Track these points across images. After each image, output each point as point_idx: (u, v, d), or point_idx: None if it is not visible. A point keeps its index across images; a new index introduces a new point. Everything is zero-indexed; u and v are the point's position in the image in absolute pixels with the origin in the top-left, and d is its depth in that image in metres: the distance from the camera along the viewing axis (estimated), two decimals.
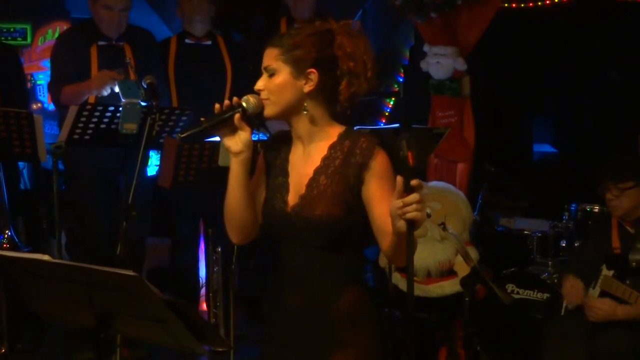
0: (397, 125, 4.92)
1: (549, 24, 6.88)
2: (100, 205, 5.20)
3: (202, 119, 2.72)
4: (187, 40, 5.67)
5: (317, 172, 2.76)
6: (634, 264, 4.46)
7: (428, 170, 6.15)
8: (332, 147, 2.77)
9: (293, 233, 2.76)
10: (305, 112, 2.75)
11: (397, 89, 7.13)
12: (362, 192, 2.72)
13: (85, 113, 4.63)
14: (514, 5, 6.51)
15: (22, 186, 5.94)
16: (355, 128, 4.78)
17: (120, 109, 4.62)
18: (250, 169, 2.81)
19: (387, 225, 2.60)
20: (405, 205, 2.47)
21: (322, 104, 2.77)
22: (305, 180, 2.77)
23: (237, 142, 2.74)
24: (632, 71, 6.74)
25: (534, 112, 7.56)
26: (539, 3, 6.56)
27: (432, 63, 6.07)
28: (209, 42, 5.69)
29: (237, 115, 2.71)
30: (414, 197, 2.46)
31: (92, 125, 4.66)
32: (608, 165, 4.69)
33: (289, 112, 2.77)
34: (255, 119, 4.57)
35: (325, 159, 2.76)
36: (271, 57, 2.75)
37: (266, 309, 2.88)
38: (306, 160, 2.80)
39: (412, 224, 2.49)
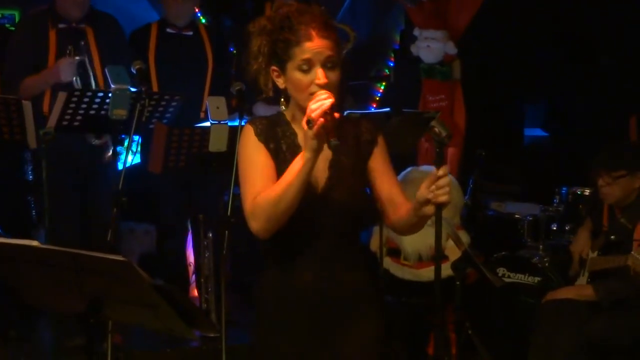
0: (388, 109, 4.92)
1: (540, 8, 6.87)
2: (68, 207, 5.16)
3: (320, 120, 2.57)
4: (168, 30, 5.62)
5: (336, 152, 2.73)
6: (612, 237, 4.51)
7: (419, 155, 6.15)
8: (338, 129, 2.74)
9: (319, 214, 2.75)
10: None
11: (387, 74, 7.12)
12: (368, 165, 2.84)
13: (74, 99, 4.61)
14: None
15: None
16: (346, 112, 4.82)
17: (110, 94, 4.60)
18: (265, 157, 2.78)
19: (395, 196, 2.82)
20: (438, 188, 2.58)
21: None
22: (326, 163, 2.77)
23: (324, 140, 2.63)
24: (623, 55, 6.74)
25: (525, 96, 7.56)
26: None
27: (422, 47, 6.07)
28: (190, 33, 5.65)
29: (337, 114, 2.62)
30: (445, 181, 2.59)
31: (81, 112, 4.64)
32: (602, 153, 4.70)
33: None
34: (245, 104, 4.57)
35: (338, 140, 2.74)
36: (333, 49, 2.68)
37: (264, 294, 2.86)
38: None
39: (441, 207, 2.65)
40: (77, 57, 5.01)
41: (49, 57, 5.15)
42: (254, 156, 2.78)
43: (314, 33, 2.67)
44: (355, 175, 2.80)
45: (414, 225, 2.80)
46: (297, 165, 2.64)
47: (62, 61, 5.02)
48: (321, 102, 2.58)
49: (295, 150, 2.76)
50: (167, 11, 5.62)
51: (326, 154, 2.72)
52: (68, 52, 5.03)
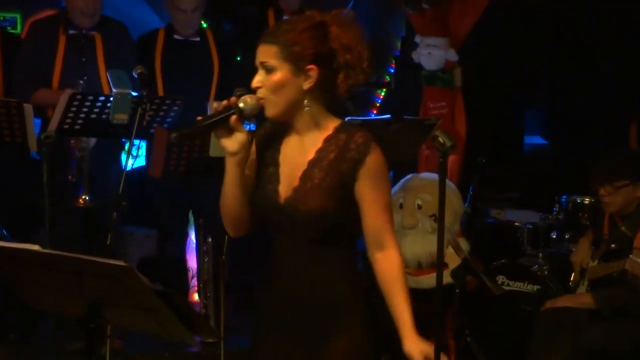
0: (388, 116, 4.93)
1: (541, 16, 6.88)
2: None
3: (198, 118, 2.68)
4: (175, 36, 5.62)
5: (312, 164, 2.74)
6: (613, 245, 4.51)
7: (419, 162, 6.15)
8: (327, 140, 2.75)
9: (285, 224, 2.75)
10: (307, 109, 2.73)
11: (388, 80, 7.13)
12: (355, 188, 2.72)
13: (76, 103, 4.61)
14: None
15: None
16: (346, 119, 4.82)
17: (111, 99, 4.60)
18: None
19: (378, 233, 2.73)
20: None
21: (319, 98, 2.76)
22: (299, 172, 2.75)
23: (234, 142, 2.70)
24: (623, 62, 6.75)
25: (525, 104, 7.57)
26: None
27: (423, 54, 6.06)
28: (197, 39, 5.65)
29: (233, 117, 2.68)
30: None
31: (82, 115, 4.64)
32: (603, 163, 4.69)
33: (290, 111, 2.73)
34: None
35: (319, 152, 2.74)
36: (268, 54, 2.70)
37: (257, 296, 2.88)
38: (300, 152, 2.77)
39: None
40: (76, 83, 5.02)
41: (55, 62, 5.16)
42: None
43: (260, 40, 2.75)
44: (326, 189, 2.72)
45: None
46: (226, 168, 2.76)
47: (67, 91, 4.96)
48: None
49: (274, 153, 2.81)
50: (174, 21, 5.61)
51: (301, 163, 2.75)
52: (78, 84, 5.04)
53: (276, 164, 2.80)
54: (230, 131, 2.69)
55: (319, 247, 2.74)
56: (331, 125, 2.78)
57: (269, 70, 2.70)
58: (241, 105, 2.68)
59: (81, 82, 5.00)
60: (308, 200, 2.71)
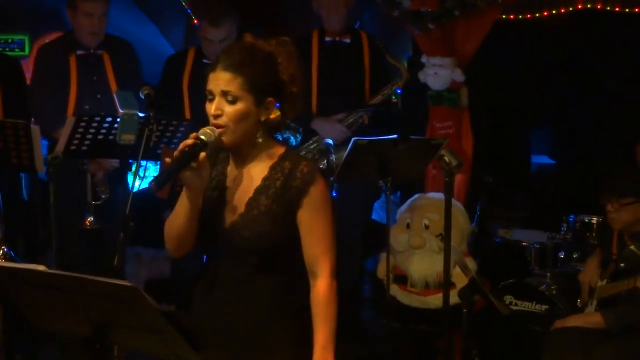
0: (395, 136, 4.93)
1: (547, 35, 6.89)
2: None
3: (167, 159, 2.68)
4: (204, 60, 5.62)
5: (258, 191, 2.78)
6: (622, 264, 4.50)
7: (426, 182, 6.14)
8: (273, 168, 2.78)
9: (229, 249, 2.78)
10: (260, 140, 2.77)
11: (395, 100, 7.11)
12: (297, 216, 2.76)
13: (83, 124, 4.62)
14: (511, 16, 6.52)
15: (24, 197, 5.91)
16: (353, 139, 4.82)
17: (118, 119, 4.61)
18: None
19: (310, 260, 2.77)
20: None
21: (269, 128, 2.80)
22: (245, 199, 2.78)
23: (199, 179, 2.72)
24: (629, 82, 6.75)
25: (531, 123, 7.56)
26: (537, 15, 6.57)
27: (429, 74, 6.06)
28: None
29: (203, 154, 2.68)
30: None
31: (89, 136, 4.65)
32: (612, 179, 4.70)
33: (245, 140, 2.76)
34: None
35: (266, 179, 2.78)
36: (232, 84, 2.71)
37: (195, 319, 2.88)
38: (247, 178, 2.80)
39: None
40: None
41: (70, 83, 5.19)
42: None
43: (219, 65, 2.75)
44: (272, 216, 2.75)
45: None
46: (183, 197, 2.75)
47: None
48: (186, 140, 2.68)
49: (220, 177, 2.83)
50: (203, 49, 5.61)
51: (247, 189, 2.78)
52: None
53: (223, 188, 2.83)
54: (195, 169, 2.69)
55: (258, 272, 2.78)
56: (276, 152, 2.81)
57: (233, 100, 2.71)
58: (203, 137, 2.69)
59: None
60: (254, 226, 2.74)
